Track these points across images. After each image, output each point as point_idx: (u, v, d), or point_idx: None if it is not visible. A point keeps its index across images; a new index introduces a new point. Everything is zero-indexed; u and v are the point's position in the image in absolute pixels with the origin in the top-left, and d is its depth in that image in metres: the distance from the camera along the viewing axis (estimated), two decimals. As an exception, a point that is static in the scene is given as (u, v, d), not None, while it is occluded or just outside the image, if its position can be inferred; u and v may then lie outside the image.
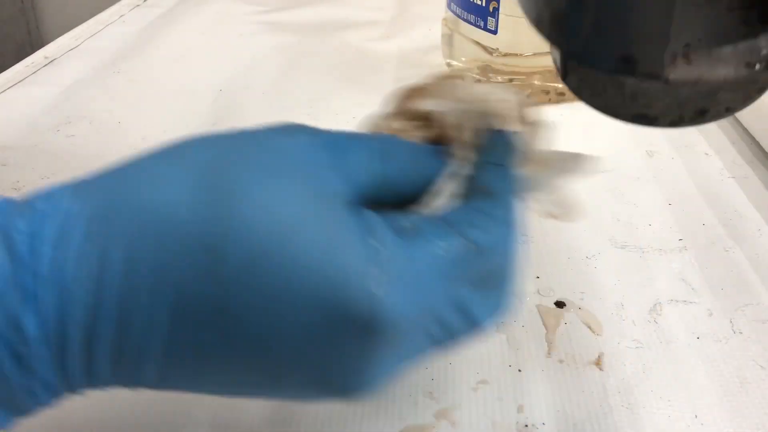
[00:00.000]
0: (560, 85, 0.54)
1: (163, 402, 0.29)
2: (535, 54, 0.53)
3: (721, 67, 0.18)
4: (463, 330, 0.21)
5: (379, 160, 0.21)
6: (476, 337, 0.21)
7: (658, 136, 0.49)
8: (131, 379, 0.19)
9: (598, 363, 0.30)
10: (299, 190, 0.19)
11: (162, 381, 0.19)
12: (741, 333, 0.32)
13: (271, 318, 0.18)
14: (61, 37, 0.71)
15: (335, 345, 0.18)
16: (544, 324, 0.33)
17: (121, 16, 0.78)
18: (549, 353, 0.31)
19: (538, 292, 0.35)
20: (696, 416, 0.28)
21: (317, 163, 0.20)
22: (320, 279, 0.18)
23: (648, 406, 0.28)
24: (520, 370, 0.30)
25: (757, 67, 0.18)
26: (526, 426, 0.28)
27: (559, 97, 0.55)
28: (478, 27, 0.54)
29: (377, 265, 0.18)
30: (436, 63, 0.63)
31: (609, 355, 0.31)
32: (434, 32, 0.64)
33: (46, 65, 0.64)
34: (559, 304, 0.34)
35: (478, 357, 0.31)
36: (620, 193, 0.42)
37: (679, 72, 0.18)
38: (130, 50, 0.68)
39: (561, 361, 0.31)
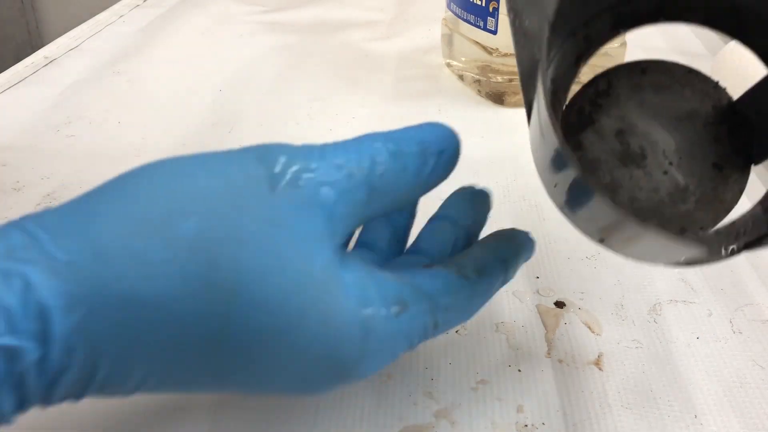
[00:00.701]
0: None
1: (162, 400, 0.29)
2: (535, 54, 0.53)
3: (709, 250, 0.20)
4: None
5: (365, 201, 0.21)
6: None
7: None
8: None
9: (597, 363, 0.30)
10: (290, 255, 0.19)
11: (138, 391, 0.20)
12: (741, 333, 0.32)
13: (265, 378, 0.20)
14: (61, 37, 0.71)
15: (322, 382, 0.21)
16: (543, 324, 0.33)
17: (120, 16, 0.78)
18: (549, 353, 0.31)
19: (538, 292, 0.35)
20: (696, 416, 0.28)
21: (304, 220, 0.19)
22: (318, 356, 0.19)
23: (648, 406, 0.28)
24: (519, 370, 0.30)
25: (728, 251, 0.21)
26: (526, 426, 0.28)
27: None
28: (478, 27, 0.54)
29: (366, 340, 0.20)
30: (436, 63, 0.63)
31: (609, 355, 0.31)
32: (434, 32, 0.64)
33: (46, 65, 0.64)
34: (559, 304, 0.34)
35: (477, 357, 0.31)
36: (620, 193, 0.42)
37: None
38: (130, 50, 0.68)
39: (561, 361, 0.31)
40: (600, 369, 0.30)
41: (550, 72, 0.24)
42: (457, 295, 0.23)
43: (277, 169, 0.19)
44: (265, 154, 0.20)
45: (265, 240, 0.18)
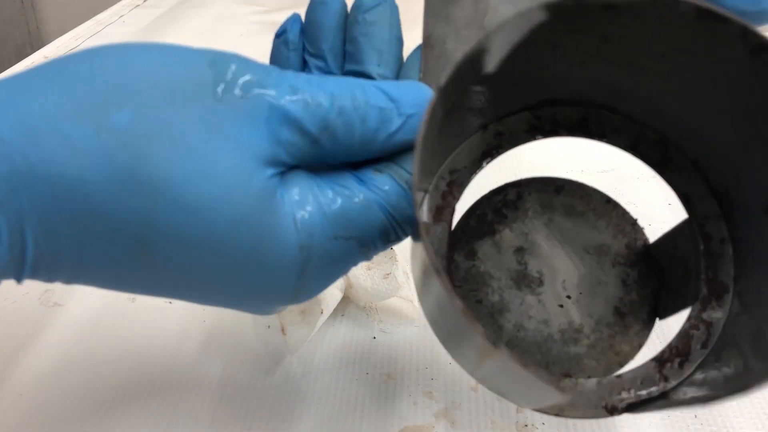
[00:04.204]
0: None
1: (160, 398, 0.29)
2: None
3: (583, 401, 0.19)
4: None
5: (315, 136, 0.20)
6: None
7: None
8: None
9: (597, 363, 0.30)
10: (226, 165, 0.18)
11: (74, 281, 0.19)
12: (741, 333, 0.32)
13: (194, 282, 0.19)
14: (61, 37, 0.71)
15: (259, 301, 0.21)
16: (543, 324, 0.33)
17: (120, 16, 0.78)
18: (549, 353, 0.31)
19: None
20: (696, 416, 0.28)
21: (245, 132, 0.18)
22: (249, 265, 0.19)
23: (648, 406, 0.28)
24: (519, 370, 0.30)
25: (611, 407, 0.19)
26: (526, 426, 0.28)
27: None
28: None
29: (306, 262, 0.19)
30: (436, 63, 0.63)
31: (609, 355, 0.31)
32: (434, 32, 0.64)
33: (46, 65, 0.64)
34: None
35: (477, 357, 0.31)
36: (620, 193, 0.42)
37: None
38: (130, 50, 0.68)
39: (561, 361, 0.31)
40: (600, 369, 0.30)
41: (449, 162, 0.22)
42: (402, 205, 0.21)
43: (228, 76, 0.18)
44: (218, 59, 0.19)
45: (199, 143, 0.18)
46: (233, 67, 0.19)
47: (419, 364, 0.30)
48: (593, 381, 0.19)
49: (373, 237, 0.21)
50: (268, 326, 0.32)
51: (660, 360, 0.20)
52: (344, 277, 0.32)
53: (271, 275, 0.19)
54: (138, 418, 0.28)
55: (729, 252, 0.21)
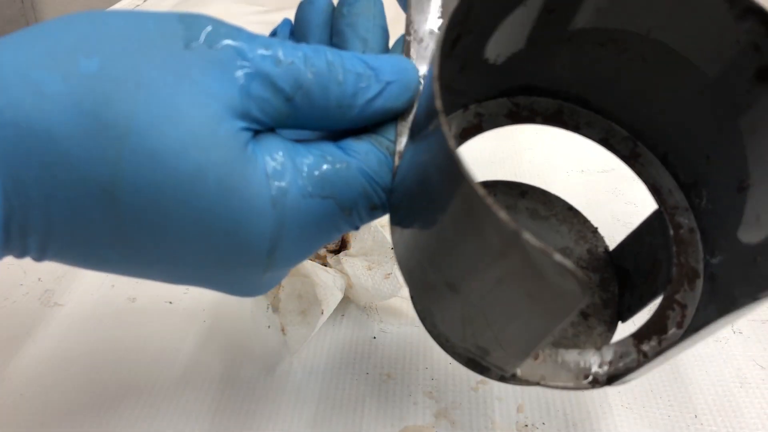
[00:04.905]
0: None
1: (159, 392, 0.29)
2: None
3: (564, 372, 0.19)
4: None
5: (288, 95, 0.19)
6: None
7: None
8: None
9: (598, 363, 0.30)
10: (192, 110, 0.18)
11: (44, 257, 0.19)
12: (741, 333, 0.32)
13: (167, 244, 0.19)
14: (61, 38, 0.71)
15: (232, 266, 0.20)
16: (544, 324, 0.33)
17: (121, 16, 0.78)
18: (549, 353, 0.31)
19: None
20: (696, 416, 0.28)
21: (213, 81, 0.18)
22: (219, 220, 0.18)
23: (648, 406, 0.28)
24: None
25: (589, 380, 0.19)
26: (526, 426, 0.28)
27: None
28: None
29: (280, 220, 0.19)
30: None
31: (609, 355, 0.31)
32: (434, 32, 0.64)
33: (46, 65, 0.64)
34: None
35: (478, 357, 0.31)
36: (620, 193, 0.42)
37: (526, 369, 0.19)
38: (130, 50, 0.68)
39: (561, 361, 0.31)
40: (600, 369, 0.30)
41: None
42: (382, 170, 0.21)
43: (197, 30, 0.18)
44: (188, 16, 0.19)
45: (165, 88, 0.17)
46: (204, 23, 0.19)
47: (419, 364, 0.30)
48: (575, 352, 0.19)
49: (354, 199, 0.20)
50: (268, 326, 0.33)
51: (638, 336, 0.20)
52: (345, 277, 0.32)
53: (243, 232, 0.19)
54: (138, 418, 0.28)
55: (697, 239, 0.21)
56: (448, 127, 0.15)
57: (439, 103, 0.15)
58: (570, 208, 0.24)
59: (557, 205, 0.24)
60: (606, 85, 0.21)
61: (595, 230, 0.24)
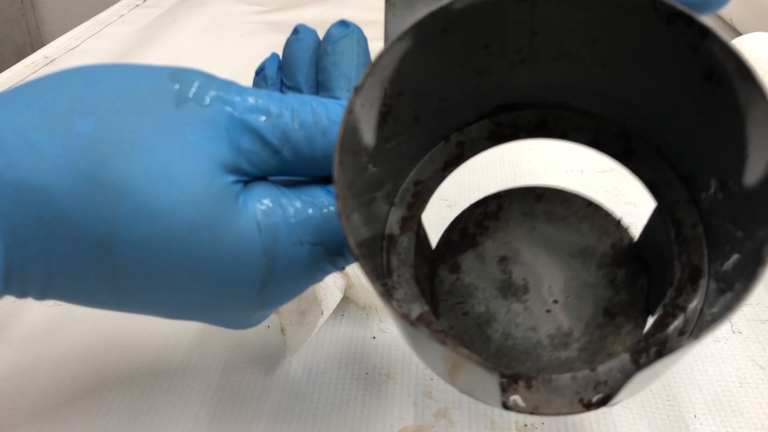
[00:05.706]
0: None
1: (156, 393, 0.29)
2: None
3: (557, 399, 0.19)
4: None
5: (276, 147, 0.20)
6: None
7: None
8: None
9: (597, 363, 0.30)
10: (184, 168, 0.18)
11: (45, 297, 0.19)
12: (740, 333, 0.32)
13: (161, 297, 0.20)
14: (61, 37, 0.71)
15: (228, 308, 0.21)
16: (543, 324, 0.33)
17: (120, 16, 0.78)
18: (548, 353, 0.31)
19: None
20: (695, 416, 0.28)
21: (204, 138, 0.19)
22: (212, 270, 0.19)
23: (647, 406, 0.28)
24: (519, 370, 0.30)
25: (587, 402, 0.18)
26: (526, 426, 0.28)
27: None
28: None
29: (271, 267, 0.20)
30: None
31: (608, 355, 0.31)
32: (434, 32, 0.64)
33: (46, 65, 0.64)
34: (559, 304, 0.34)
35: (477, 357, 0.31)
36: (620, 193, 0.42)
37: (519, 398, 0.19)
38: (130, 50, 0.68)
39: (560, 361, 0.31)
40: (600, 369, 0.30)
41: (413, 174, 0.22)
42: None
43: (187, 87, 0.19)
44: (179, 73, 0.19)
45: (159, 147, 0.18)
46: (194, 79, 0.19)
47: (419, 364, 0.30)
48: (567, 376, 0.19)
49: (341, 244, 0.21)
50: (268, 326, 0.33)
51: (635, 351, 0.19)
52: (345, 277, 0.32)
53: (236, 280, 0.19)
54: (138, 419, 0.28)
55: (701, 234, 0.20)
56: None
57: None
58: (590, 204, 0.23)
59: (575, 203, 0.23)
60: (581, 90, 0.21)
61: (618, 222, 0.23)
